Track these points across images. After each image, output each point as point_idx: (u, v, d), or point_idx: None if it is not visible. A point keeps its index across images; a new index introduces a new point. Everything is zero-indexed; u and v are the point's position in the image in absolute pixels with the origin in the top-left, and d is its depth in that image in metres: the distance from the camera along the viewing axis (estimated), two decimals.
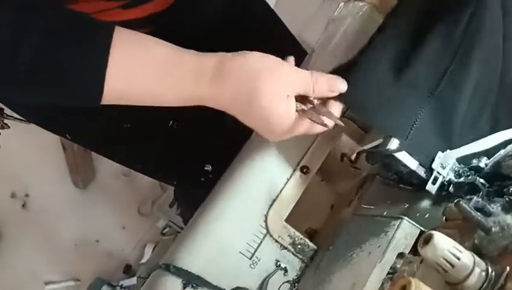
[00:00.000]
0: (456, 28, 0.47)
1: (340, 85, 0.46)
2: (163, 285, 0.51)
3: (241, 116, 0.46)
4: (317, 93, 0.46)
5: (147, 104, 0.44)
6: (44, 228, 1.39)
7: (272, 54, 0.79)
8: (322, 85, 0.46)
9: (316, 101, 0.46)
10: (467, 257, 0.34)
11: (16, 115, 0.77)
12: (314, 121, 0.46)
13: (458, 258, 0.34)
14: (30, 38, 0.38)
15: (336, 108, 0.47)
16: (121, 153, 0.79)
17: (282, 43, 0.82)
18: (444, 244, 0.34)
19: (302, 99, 0.46)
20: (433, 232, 0.34)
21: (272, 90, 0.43)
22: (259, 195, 0.56)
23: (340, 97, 0.47)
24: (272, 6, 0.86)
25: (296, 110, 0.45)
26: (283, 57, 0.78)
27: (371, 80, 0.47)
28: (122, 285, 1.32)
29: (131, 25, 0.64)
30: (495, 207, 0.40)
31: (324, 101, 0.47)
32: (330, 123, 0.47)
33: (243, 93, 0.43)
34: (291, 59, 0.48)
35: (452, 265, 0.34)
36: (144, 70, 0.42)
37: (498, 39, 0.49)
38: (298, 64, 0.66)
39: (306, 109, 0.46)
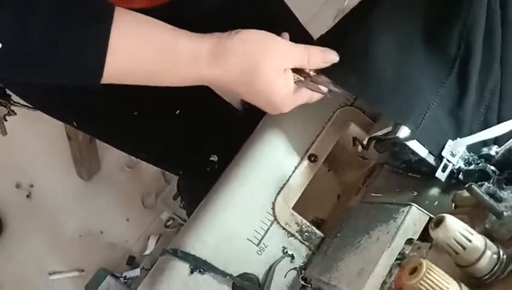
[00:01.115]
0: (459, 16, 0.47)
1: (333, 56, 0.48)
2: (171, 269, 0.52)
3: (242, 93, 0.47)
4: (312, 64, 0.48)
5: (149, 84, 0.45)
6: (48, 219, 1.39)
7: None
8: (315, 56, 0.48)
9: (311, 73, 0.48)
10: (478, 240, 0.34)
11: (22, 102, 0.77)
12: (312, 90, 0.49)
13: (469, 241, 0.34)
14: (32, 29, 0.37)
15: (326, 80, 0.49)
16: (127, 142, 0.79)
17: (290, 31, 0.82)
18: (456, 226, 0.34)
19: (298, 71, 0.48)
20: (445, 214, 0.34)
21: (270, 66, 0.45)
22: (266, 182, 0.56)
23: (328, 72, 0.48)
24: None
25: (294, 82, 0.47)
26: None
27: (380, 68, 0.47)
28: (125, 276, 1.33)
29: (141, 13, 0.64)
30: (506, 193, 0.40)
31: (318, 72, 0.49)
32: (326, 90, 0.49)
33: (242, 71, 0.44)
34: (286, 35, 0.50)
35: (463, 247, 0.34)
36: (143, 50, 0.42)
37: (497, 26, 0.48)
38: None
39: (303, 80, 0.48)
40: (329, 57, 0.48)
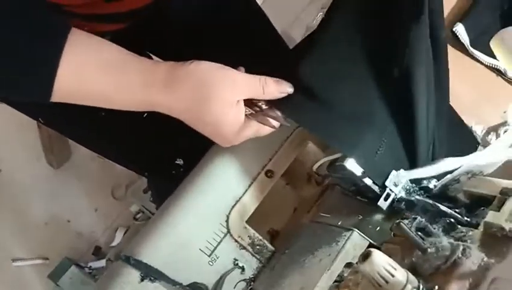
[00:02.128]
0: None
1: (288, 88, 0.49)
2: (121, 277, 0.53)
3: (192, 123, 0.47)
4: (267, 95, 0.48)
5: (98, 105, 0.45)
6: (15, 205, 1.38)
7: (252, 48, 0.80)
8: (271, 87, 0.48)
9: (263, 106, 0.49)
10: (400, 274, 0.37)
11: None
12: (263, 123, 0.49)
13: (392, 275, 0.36)
14: None
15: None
16: (94, 141, 0.79)
17: (264, 39, 0.83)
18: (380, 262, 0.36)
19: (250, 104, 0.48)
20: (372, 249, 0.37)
21: (221, 97, 0.45)
22: (222, 195, 0.58)
23: (279, 105, 0.49)
24: (260, 2, 0.86)
25: (246, 115, 0.48)
26: (264, 51, 0.79)
27: (327, 100, 0.49)
28: (90, 266, 1.33)
29: (111, 18, 0.65)
30: (436, 228, 0.43)
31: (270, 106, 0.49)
32: (277, 124, 0.50)
33: (194, 100, 0.44)
34: (242, 69, 0.51)
35: (386, 281, 0.36)
36: (94, 73, 0.42)
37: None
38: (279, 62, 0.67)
39: (254, 113, 0.48)
40: (284, 88, 0.49)
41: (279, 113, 0.49)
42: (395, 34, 0.48)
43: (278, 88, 0.48)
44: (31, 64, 0.40)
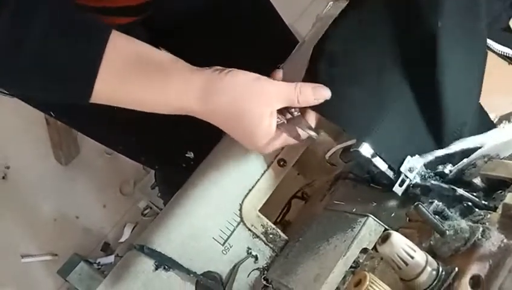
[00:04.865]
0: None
1: (325, 92, 0.49)
2: (136, 265, 0.53)
3: (227, 130, 0.49)
4: (302, 103, 0.48)
5: (138, 109, 0.46)
6: (24, 201, 1.39)
7: (260, 42, 0.80)
8: (307, 95, 0.48)
9: (296, 113, 0.49)
10: (420, 256, 0.36)
11: None
12: (290, 135, 0.50)
13: (412, 257, 0.36)
14: (29, 37, 0.39)
15: (312, 117, 0.50)
16: (104, 134, 0.79)
17: (273, 33, 0.83)
18: (400, 243, 0.36)
19: (283, 110, 0.49)
20: (391, 231, 0.37)
21: (256, 111, 0.46)
22: (235, 184, 0.58)
23: (314, 107, 0.49)
24: None
25: (277, 124, 0.48)
26: (272, 45, 0.79)
27: (341, 86, 0.49)
28: (99, 262, 1.34)
29: (122, 12, 0.65)
30: (453, 211, 0.43)
31: (302, 112, 0.50)
32: (304, 135, 0.50)
33: (229, 114, 0.46)
34: (280, 72, 0.51)
35: (406, 263, 0.36)
36: (134, 76, 0.43)
37: None
38: (287, 54, 0.68)
39: (285, 121, 0.49)
40: (321, 93, 0.48)
41: (306, 122, 0.50)
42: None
43: (313, 95, 0.48)
44: (72, 65, 0.41)
